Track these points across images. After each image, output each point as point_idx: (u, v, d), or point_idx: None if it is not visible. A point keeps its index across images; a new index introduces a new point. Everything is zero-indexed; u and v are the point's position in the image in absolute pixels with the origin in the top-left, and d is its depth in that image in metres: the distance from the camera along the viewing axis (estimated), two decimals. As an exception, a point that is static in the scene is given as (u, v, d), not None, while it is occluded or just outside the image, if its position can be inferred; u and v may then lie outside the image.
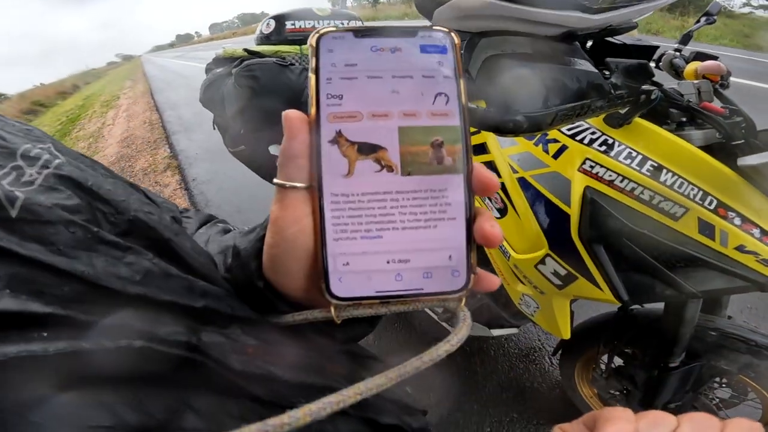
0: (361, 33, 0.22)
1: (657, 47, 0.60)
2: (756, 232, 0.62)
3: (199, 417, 0.19)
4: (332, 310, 0.23)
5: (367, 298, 0.23)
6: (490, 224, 0.22)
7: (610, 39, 0.59)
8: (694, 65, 0.80)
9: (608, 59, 0.51)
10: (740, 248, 0.62)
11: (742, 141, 0.63)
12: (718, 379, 0.89)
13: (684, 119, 0.68)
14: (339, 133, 0.22)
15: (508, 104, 0.42)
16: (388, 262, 0.22)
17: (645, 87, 0.56)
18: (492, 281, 0.24)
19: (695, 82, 0.71)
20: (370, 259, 0.22)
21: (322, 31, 0.22)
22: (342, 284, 0.22)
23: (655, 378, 0.85)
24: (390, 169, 0.22)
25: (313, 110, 0.22)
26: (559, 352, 1.09)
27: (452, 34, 0.23)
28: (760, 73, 4.57)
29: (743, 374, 0.80)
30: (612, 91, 0.48)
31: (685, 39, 0.89)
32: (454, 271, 0.23)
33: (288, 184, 0.22)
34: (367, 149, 0.22)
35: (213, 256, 0.29)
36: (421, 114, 0.22)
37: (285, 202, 0.22)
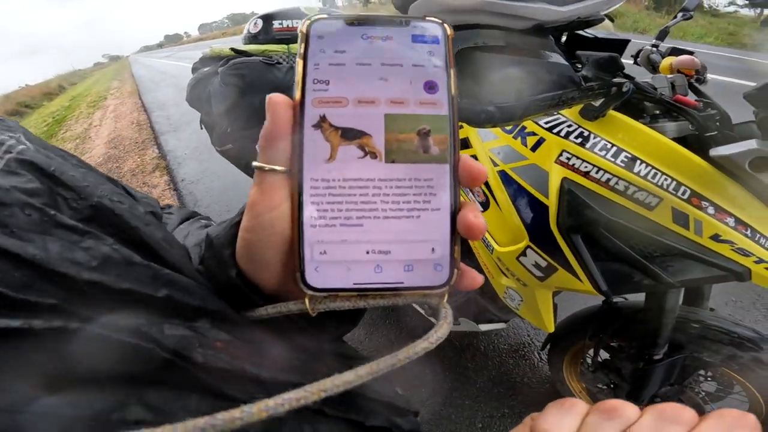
0: (352, 21, 0.22)
1: (628, 41, 0.61)
2: (730, 221, 0.63)
3: (147, 410, 0.18)
4: (306, 301, 0.22)
5: (344, 290, 0.22)
6: (473, 214, 0.22)
7: (582, 33, 0.60)
8: (669, 60, 0.81)
9: (579, 52, 0.52)
10: (715, 237, 0.63)
11: (716, 132, 0.64)
12: (703, 372, 0.90)
13: (658, 112, 0.70)
14: (323, 118, 0.21)
15: (480, 95, 0.43)
16: (367, 253, 0.21)
17: (617, 80, 0.57)
18: (475, 278, 0.23)
19: (669, 76, 0.73)
20: (349, 248, 0.21)
21: (313, 18, 0.22)
22: (318, 274, 0.21)
23: (641, 370, 0.85)
24: (374, 155, 0.21)
25: (298, 94, 0.21)
26: (548, 346, 1.09)
27: (445, 25, 0.22)
28: (745, 71, 4.64)
29: (726, 366, 0.80)
30: (582, 83, 0.49)
31: (662, 35, 0.90)
32: (436, 265, 0.22)
33: (267, 167, 0.21)
34: (351, 135, 0.21)
35: (189, 249, 0.28)
36: (409, 102, 0.22)
37: (264, 186, 0.22)
